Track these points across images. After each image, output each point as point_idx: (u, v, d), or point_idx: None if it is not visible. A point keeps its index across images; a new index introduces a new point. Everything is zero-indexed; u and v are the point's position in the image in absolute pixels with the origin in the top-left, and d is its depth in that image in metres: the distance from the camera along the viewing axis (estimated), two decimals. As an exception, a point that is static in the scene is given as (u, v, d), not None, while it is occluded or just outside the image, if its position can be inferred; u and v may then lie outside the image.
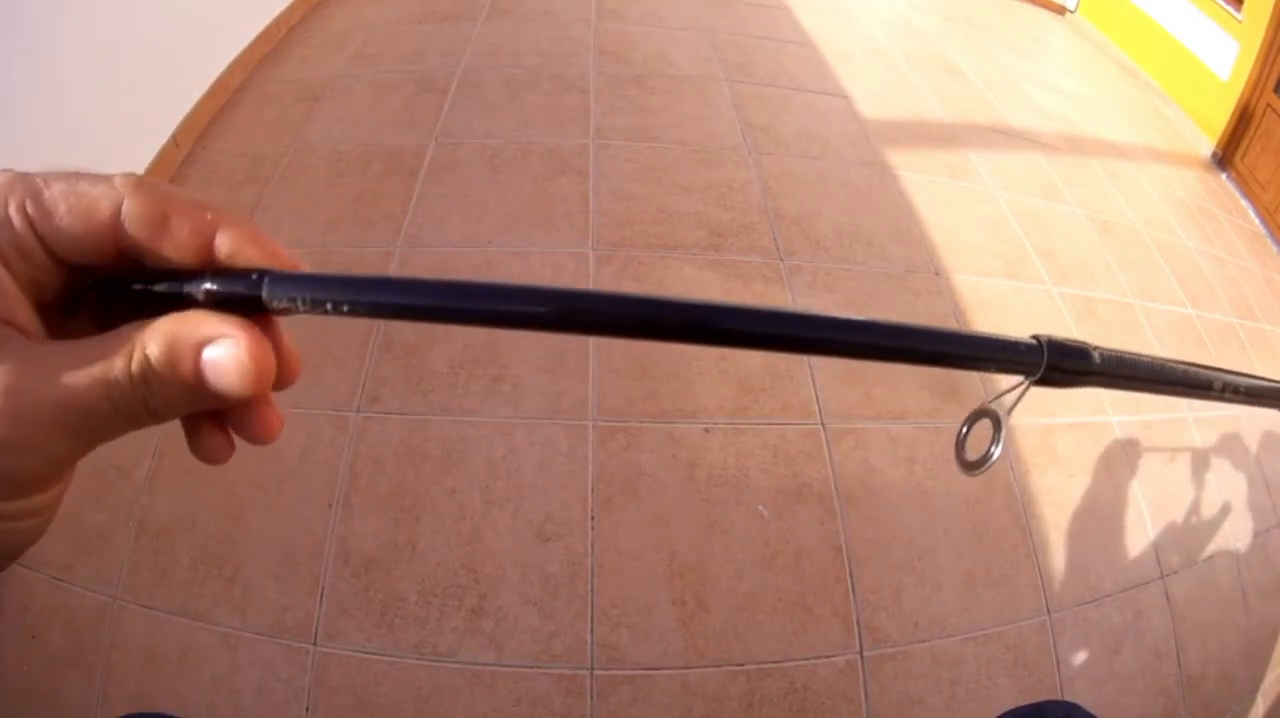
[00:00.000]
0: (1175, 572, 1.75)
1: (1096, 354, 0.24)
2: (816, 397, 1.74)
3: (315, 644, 1.36)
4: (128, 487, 1.53)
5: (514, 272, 1.92)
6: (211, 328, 0.20)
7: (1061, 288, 2.26)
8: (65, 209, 0.20)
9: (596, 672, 1.35)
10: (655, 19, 3.21)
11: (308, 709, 1.31)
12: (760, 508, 1.55)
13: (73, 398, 0.19)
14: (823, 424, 1.69)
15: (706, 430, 1.64)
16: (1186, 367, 0.28)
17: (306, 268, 0.23)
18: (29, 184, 0.20)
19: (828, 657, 1.42)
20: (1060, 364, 0.24)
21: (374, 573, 1.42)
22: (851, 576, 1.50)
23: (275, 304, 0.21)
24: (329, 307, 0.21)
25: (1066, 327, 2.14)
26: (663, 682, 1.36)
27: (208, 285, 0.21)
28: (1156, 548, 1.77)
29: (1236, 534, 1.92)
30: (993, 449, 0.25)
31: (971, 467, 0.25)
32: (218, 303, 0.21)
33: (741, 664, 1.39)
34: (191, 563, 1.44)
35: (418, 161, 2.24)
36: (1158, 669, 1.61)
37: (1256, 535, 1.95)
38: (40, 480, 0.20)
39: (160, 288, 0.21)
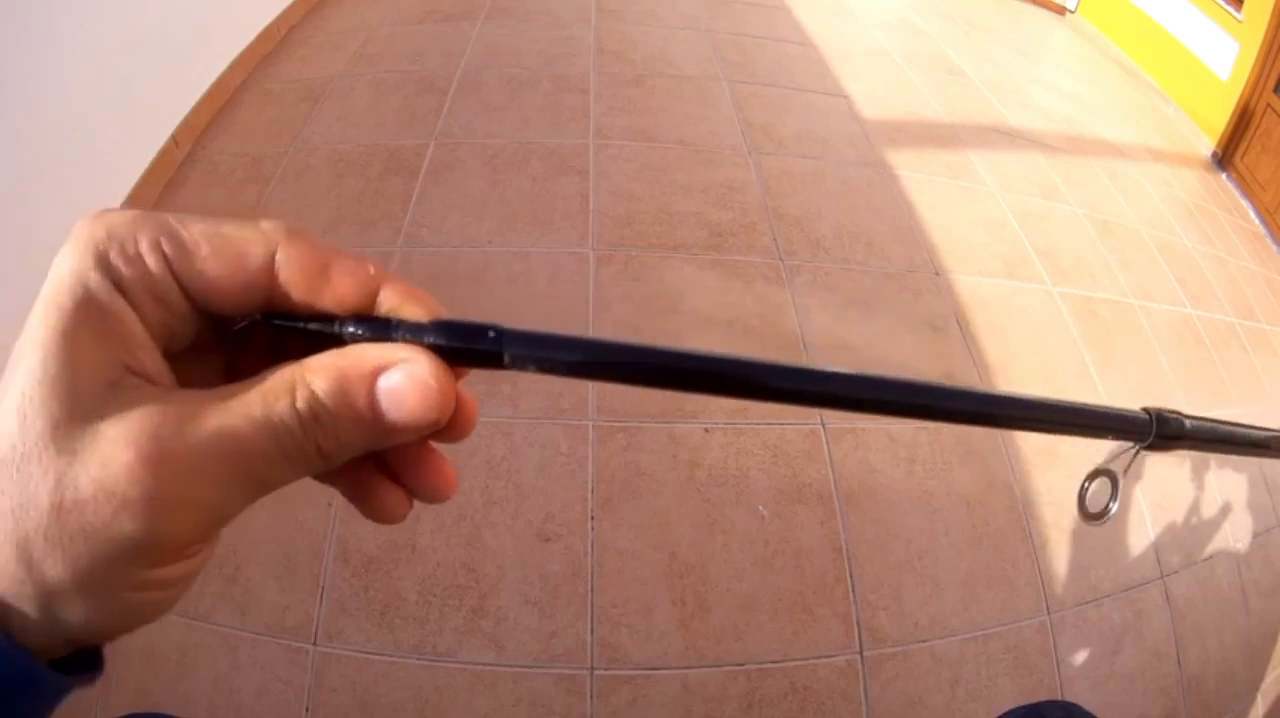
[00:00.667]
0: (1175, 572, 1.75)
1: (1188, 423, 0.27)
2: (816, 397, 1.74)
3: (315, 644, 1.36)
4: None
5: (514, 271, 1.92)
6: (383, 356, 0.19)
7: (1061, 288, 2.26)
8: (210, 252, 0.18)
9: (596, 672, 1.35)
10: (655, 19, 3.21)
11: (308, 709, 1.31)
12: (760, 508, 1.55)
13: (228, 441, 0.17)
14: (823, 424, 1.69)
15: (706, 430, 1.64)
16: (1267, 431, 0.32)
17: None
18: (163, 223, 0.18)
19: (828, 657, 1.41)
20: (1164, 432, 0.26)
21: (374, 573, 1.42)
22: (851, 576, 1.50)
23: (510, 362, 0.20)
24: (560, 368, 0.20)
25: (1066, 327, 2.14)
26: (663, 682, 1.36)
27: (431, 339, 0.19)
28: (1156, 548, 1.77)
29: (1236, 534, 1.92)
30: (1111, 505, 0.28)
31: (1093, 518, 0.28)
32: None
33: (741, 664, 1.39)
34: (191, 563, 1.44)
35: (418, 161, 2.24)
36: (1158, 669, 1.61)
37: (1256, 536, 1.95)
38: (190, 543, 0.18)
39: (363, 332, 0.19)
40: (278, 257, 0.19)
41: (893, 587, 1.51)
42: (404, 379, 0.18)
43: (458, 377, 0.20)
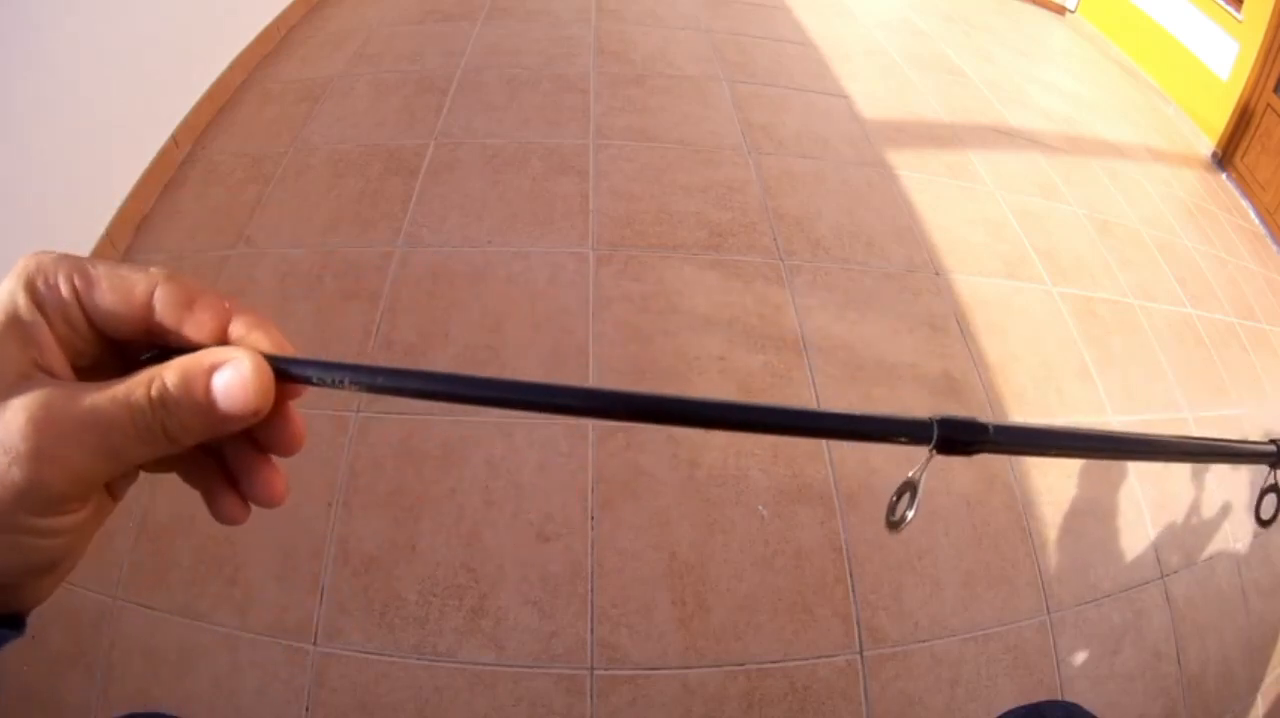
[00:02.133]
0: (1175, 572, 1.75)
1: (990, 428, 0.28)
2: (816, 397, 1.74)
3: (315, 644, 1.36)
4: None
5: (514, 271, 1.92)
6: (221, 355, 0.23)
7: (1061, 288, 2.26)
8: (108, 286, 0.23)
9: (596, 672, 1.35)
10: (655, 19, 3.21)
11: (307, 709, 1.31)
12: (760, 508, 1.55)
13: (97, 415, 0.22)
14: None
15: (706, 430, 1.64)
16: (1086, 432, 0.32)
17: (293, 352, 0.26)
18: (78, 263, 0.23)
19: (828, 657, 1.41)
20: (954, 437, 0.28)
21: (374, 573, 1.42)
22: (851, 575, 1.50)
23: (310, 378, 0.25)
24: (333, 382, 0.25)
25: (1066, 327, 2.14)
26: (663, 682, 1.36)
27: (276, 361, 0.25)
28: (1156, 548, 1.77)
29: (1236, 534, 1.92)
30: (907, 513, 0.30)
31: (894, 526, 0.30)
32: None
33: (741, 664, 1.39)
34: (191, 563, 1.44)
35: (418, 161, 2.24)
36: (1158, 669, 1.61)
37: (1256, 536, 1.95)
38: (68, 497, 0.22)
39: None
40: (156, 293, 0.24)
41: (893, 587, 1.51)
42: (232, 374, 0.23)
43: (292, 394, 0.25)
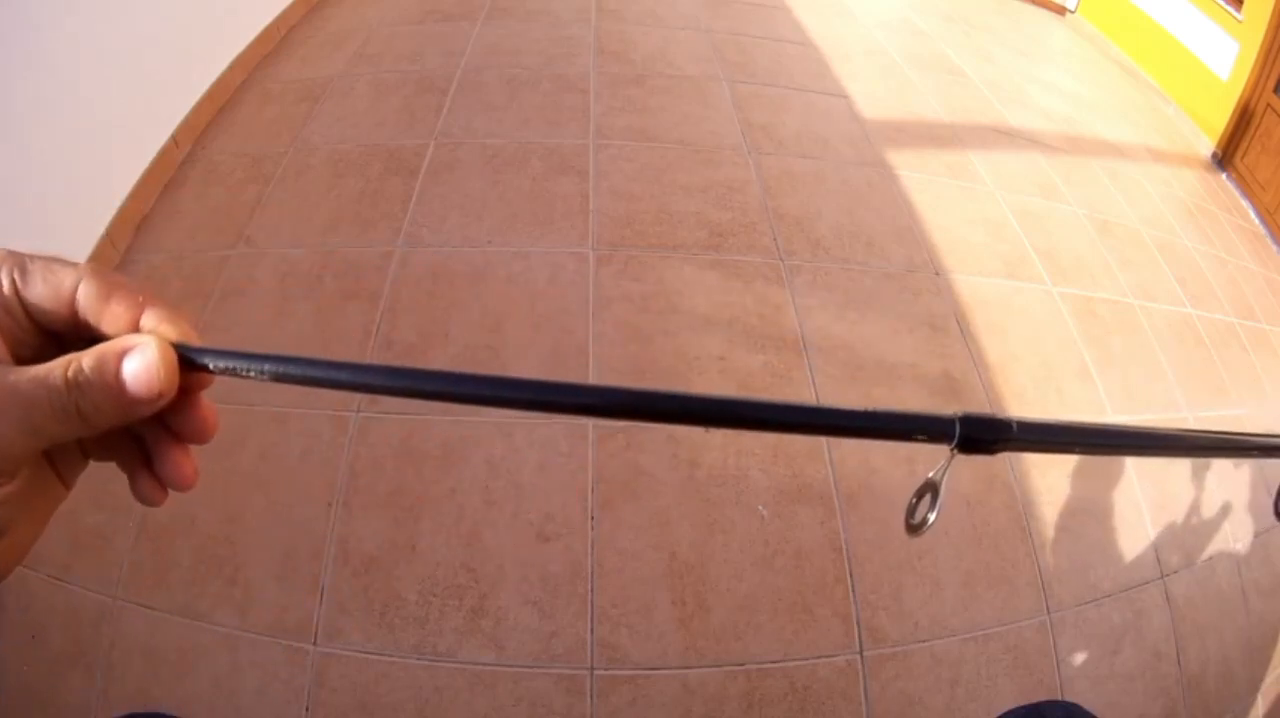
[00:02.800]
0: (1175, 572, 1.75)
1: (1014, 425, 0.27)
2: (816, 397, 1.74)
3: (315, 644, 1.36)
4: (127, 487, 1.53)
5: (514, 271, 1.92)
6: (131, 342, 0.25)
7: (1061, 288, 2.26)
8: (40, 281, 0.25)
9: (596, 672, 1.35)
10: (655, 19, 3.21)
11: (307, 709, 1.31)
12: (760, 508, 1.55)
13: (17, 394, 0.23)
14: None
15: (706, 430, 1.64)
16: (1111, 428, 0.32)
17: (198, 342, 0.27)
18: (19, 258, 0.25)
19: (828, 657, 1.41)
20: (977, 435, 0.27)
21: (374, 573, 1.42)
22: (851, 575, 1.50)
23: (208, 366, 0.26)
24: (236, 371, 0.26)
25: (1066, 327, 2.14)
26: (663, 682, 1.36)
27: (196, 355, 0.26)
28: (1156, 548, 1.77)
29: (1236, 534, 1.92)
30: (929, 515, 0.28)
31: (915, 529, 0.29)
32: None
33: (741, 664, 1.39)
34: (191, 563, 1.44)
35: (418, 161, 2.24)
36: (1158, 669, 1.61)
37: (1256, 536, 1.95)
38: None
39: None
40: (79, 287, 0.25)
41: (893, 587, 1.51)
42: (138, 359, 0.24)
43: (201, 384, 0.27)
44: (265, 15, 2.91)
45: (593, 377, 1.70)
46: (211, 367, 0.26)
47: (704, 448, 1.62)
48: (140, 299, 0.26)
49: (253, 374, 0.26)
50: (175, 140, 2.29)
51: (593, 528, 1.49)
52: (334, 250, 1.97)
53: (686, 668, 1.37)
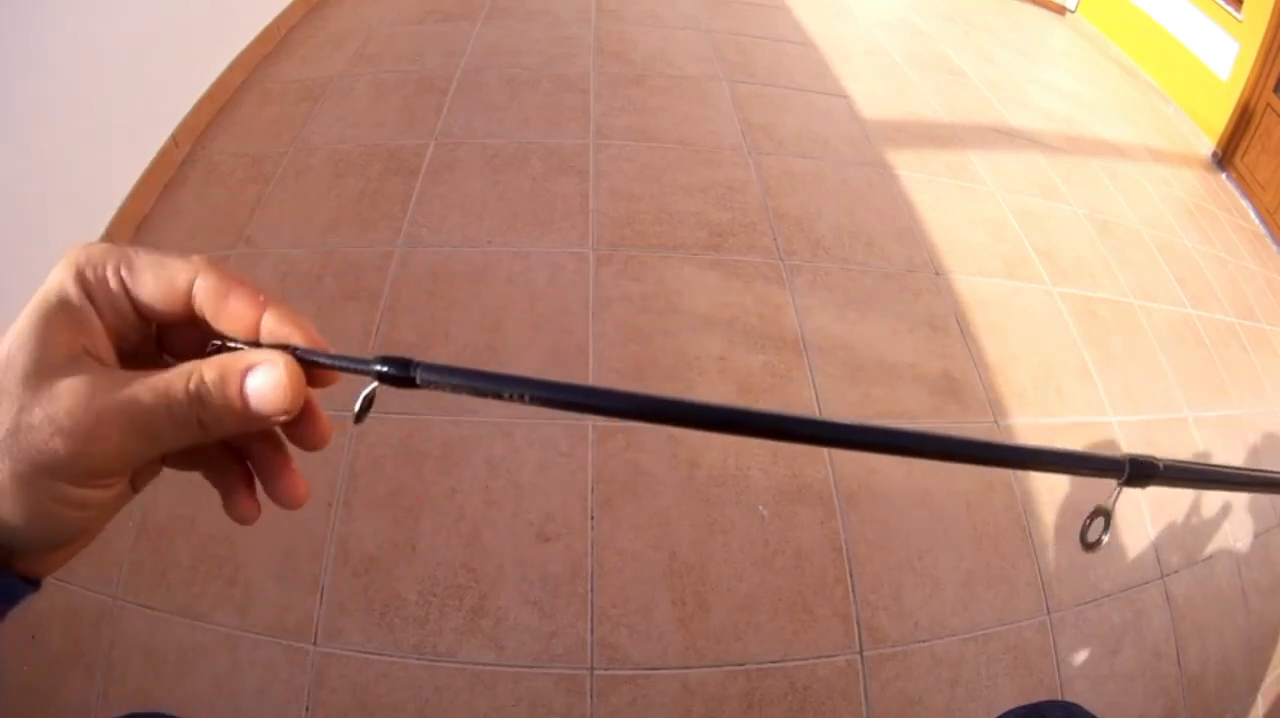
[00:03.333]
0: (1175, 572, 1.75)
1: (1161, 465, 0.31)
2: (816, 396, 1.74)
3: (315, 644, 1.36)
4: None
5: (514, 271, 1.92)
6: (258, 357, 0.25)
7: (1061, 288, 2.26)
8: (152, 278, 0.25)
9: (596, 672, 1.35)
10: (655, 19, 3.21)
11: (307, 709, 1.31)
12: (760, 508, 1.55)
13: (137, 402, 0.23)
14: (823, 424, 1.69)
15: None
16: (1239, 470, 0.36)
17: (328, 347, 0.27)
18: (125, 254, 0.25)
19: (828, 657, 1.41)
20: (1140, 473, 0.31)
21: (374, 573, 1.42)
22: (851, 575, 1.50)
23: (326, 364, 0.26)
24: (361, 372, 0.26)
25: (1066, 327, 2.14)
26: (663, 682, 1.36)
27: (310, 355, 0.26)
28: (1156, 548, 1.77)
29: (1236, 534, 1.92)
30: (1103, 537, 0.33)
31: (1090, 547, 0.33)
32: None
33: (741, 664, 1.39)
34: (191, 563, 1.44)
35: (417, 161, 2.24)
36: (1158, 669, 1.61)
37: (1256, 536, 1.95)
38: (103, 471, 0.24)
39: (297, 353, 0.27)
40: (196, 283, 0.25)
41: (893, 587, 1.51)
42: (264, 376, 0.24)
43: (324, 382, 0.27)
44: (265, 15, 2.91)
45: (592, 377, 1.70)
46: (341, 367, 0.26)
47: (704, 448, 1.62)
48: (261, 298, 0.26)
49: (383, 378, 0.26)
50: (175, 140, 2.29)
51: (593, 528, 1.49)
52: (334, 250, 1.97)
53: (686, 668, 1.37)
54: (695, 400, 0.26)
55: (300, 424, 0.28)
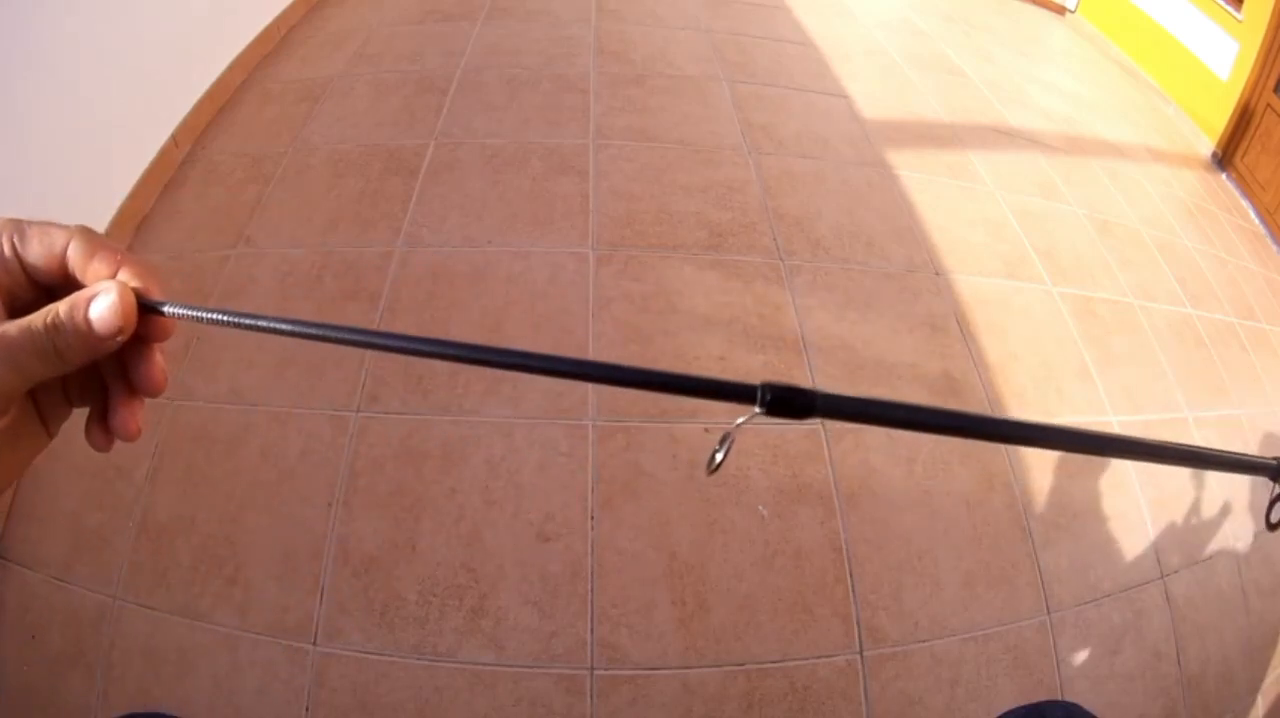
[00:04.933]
0: (1175, 572, 1.75)
1: (818, 398, 0.31)
2: (816, 397, 1.74)
3: (315, 644, 1.36)
4: (128, 487, 1.53)
5: (514, 271, 1.92)
6: (97, 288, 0.29)
7: (1061, 288, 2.26)
8: (37, 243, 0.29)
9: (596, 672, 1.35)
10: (655, 19, 3.21)
11: (307, 709, 1.31)
12: (760, 508, 1.55)
13: (5, 338, 0.27)
14: (823, 424, 1.69)
15: (706, 430, 1.64)
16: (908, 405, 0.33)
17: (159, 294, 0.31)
18: (18, 224, 0.29)
19: (828, 657, 1.42)
20: (783, 403, 0.30)
21: (374, 573, 1.42)
22: (851, 575, 1.50)
23: (164, 311, 0.30)
24: (186, 317, 0.30)
25: (1066, 326, 2.14)
26: (663, 682, 1.36)
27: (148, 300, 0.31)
28: (1156, 548, 1.77)
29: (1236, 534, 1.92)
30: (717, 455, 0.33)
31: (711, 469, 0.33)
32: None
33: (741, 664, 1.39)
34: (191, 563, 1.44)
35: (417, 161, 2.24)
36: (1158, 669, 1.61)
37: (1256, 536, 1.95)
38: None
39: (179, 311, 0.31)
40: (69, 246, 0.29)
41: (893, 587, 1.51)
42: (103, 300, 0.28)
43: (158, 336, 0.31)
44: (265, 15, 2.91)
45: (593, 377, 1.70)
46: (167, 312, 0.30)
47: (704, 448, 1.62)
48: (118, 258, 0.30)
49: (205, 319, 0.30)
50: (175, 140, 2.29)
51: (593, 528, 1.49)
52: (334, 250, 1.97)
53: (686, 668, 1.37)
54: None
55: (138, 363, 0.31)
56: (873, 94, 2.96)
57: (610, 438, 1.61)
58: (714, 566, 1.47)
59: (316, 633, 1.36)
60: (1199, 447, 0.29)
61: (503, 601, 1.41)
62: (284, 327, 0.30)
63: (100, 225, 1.95)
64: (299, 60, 2.86)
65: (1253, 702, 1.71)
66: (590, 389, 1.67)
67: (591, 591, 1.42)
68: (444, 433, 1.60)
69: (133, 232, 2.07)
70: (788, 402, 0.30)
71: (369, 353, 1.73)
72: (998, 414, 1.83)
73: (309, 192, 2.16)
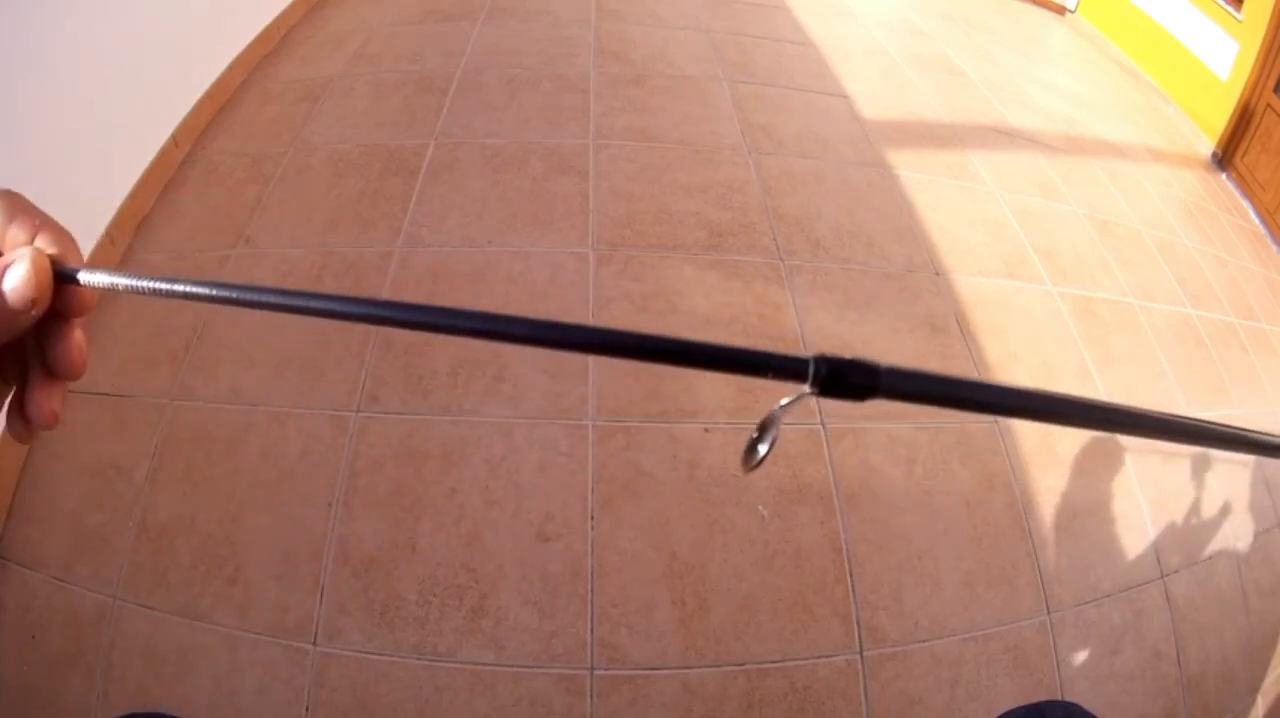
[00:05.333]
0: (1175, 572, 1.75)
1: (882, 374, 0.24)
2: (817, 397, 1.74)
3: (315, 644, 1.36)
4: (128, 487, 1.53)
5: (514, 271, 1.92)
6: (11, 257, 0.27)
7: (1061, 288, 2.26)
8: None
9: (596, 672, 1.35)
10: (655, 19, 3.21)
11: (307, 709, 1.31)
12: (760, 508, 1.55)
13: None
14: (823, 424, 1.69)
15: (706, 430, 1.64)
16: (973, 382, 0.27)
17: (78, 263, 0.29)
18: None
19: (828, 657, 1.42)
20: (838, 380, 0.24)
21: (374, 573, 1.42)
22: (851, 575, 1.50)
23: (79, 279, 0.29)
24: (102, 285, 0.28)
25: (1066, 326, 2.14)
26: (663, 682, 1.36)
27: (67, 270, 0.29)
28: (1156, 548, 1.77)
29: (1236, 534, 1.92)
30: (760, 447, 0.28)
31: (749, 465, 0.28)
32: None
33: (741, 664, 1.39)
34: (191, 563, 1.44)
35: (417, 161, 2.24)
36: (1158, 669, 1.61)
37: (1256, 536, 1.95)
38: None
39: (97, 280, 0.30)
40: None
41: (893, 587, 1.51)
42: (15, 269, 0.27)
43: (78, 311, 0.29)
44: (265, 15, 2.91)
45: (591, 376, 1.70)
46: (83, 281, 0.28)
47: (704, 448, 1.62)
48: (36, 222, 0.29)
49: (129, 289, 0.28)
50: (175, 140, 2.29)
51: (593, 528, 1.49)
52: (334, 250, 1.97)
53: (686, 668, 1.37)
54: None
55: (56, 342, 0.30)
56: (873, 94, 2.96)
57: (610, 438, 1.61)
58: (714, 565, 1.47)
59: (316, 633, 1.36)
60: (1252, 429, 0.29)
61: (503, 601, 1.41)
62: (203, 291, 0.27)
63: (100, 225, 1.95)
64: (299, 60, 2.86)
65: (1253, 702, 1.71)
66: (590, 389, 1.67)
67: (591, 591, 1.42)
68: (444, 433, 1.60)
69: (133, 231, 2.07)
70: (845, 378, 0.24)
71: (369, 353, 1.73)
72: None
73: (309, 192, 2.16)
